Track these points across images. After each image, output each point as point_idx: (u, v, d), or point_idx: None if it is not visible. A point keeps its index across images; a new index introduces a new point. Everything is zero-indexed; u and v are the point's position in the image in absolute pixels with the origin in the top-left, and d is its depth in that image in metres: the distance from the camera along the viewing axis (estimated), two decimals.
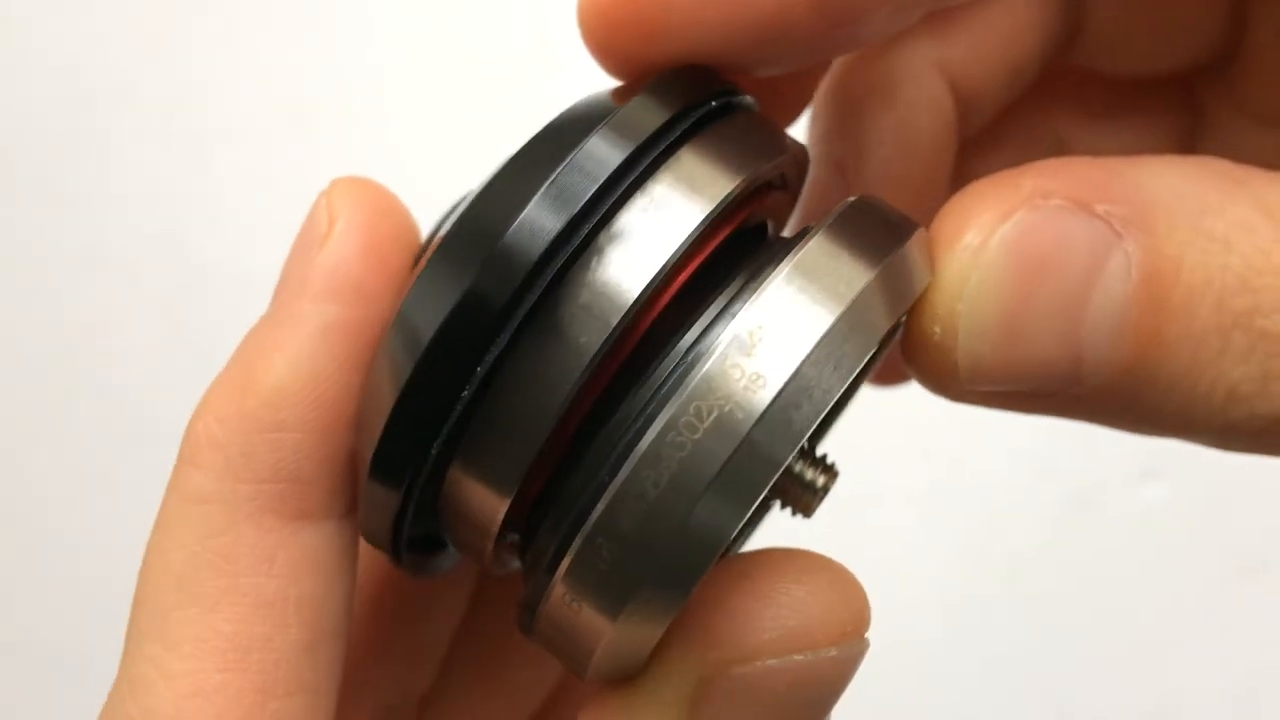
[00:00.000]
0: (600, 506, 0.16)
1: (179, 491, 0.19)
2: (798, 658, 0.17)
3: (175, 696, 0.18)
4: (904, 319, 0.18)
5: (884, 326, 0.17)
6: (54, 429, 0.55)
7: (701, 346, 0.17)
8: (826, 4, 0.18)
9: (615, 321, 0.16)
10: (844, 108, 0.25)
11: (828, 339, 0.16)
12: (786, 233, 0.23)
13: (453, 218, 0.18)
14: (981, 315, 0.17)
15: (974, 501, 0.53)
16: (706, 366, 0.16)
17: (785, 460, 0.16)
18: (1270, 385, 0.17)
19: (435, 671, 0.26)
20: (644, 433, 0.16)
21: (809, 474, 0.19)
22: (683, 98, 0.18)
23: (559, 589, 0.17)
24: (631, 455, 0.16)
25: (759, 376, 0.16)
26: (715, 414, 0.16)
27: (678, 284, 0.18)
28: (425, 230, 0.21)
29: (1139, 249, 0.17)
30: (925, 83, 0.24)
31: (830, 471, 0.19)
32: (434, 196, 0.21)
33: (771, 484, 0.16)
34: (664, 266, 0.17)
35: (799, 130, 0.25)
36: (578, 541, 0.16)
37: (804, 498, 0.19)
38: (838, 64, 0.25)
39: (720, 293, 0.18)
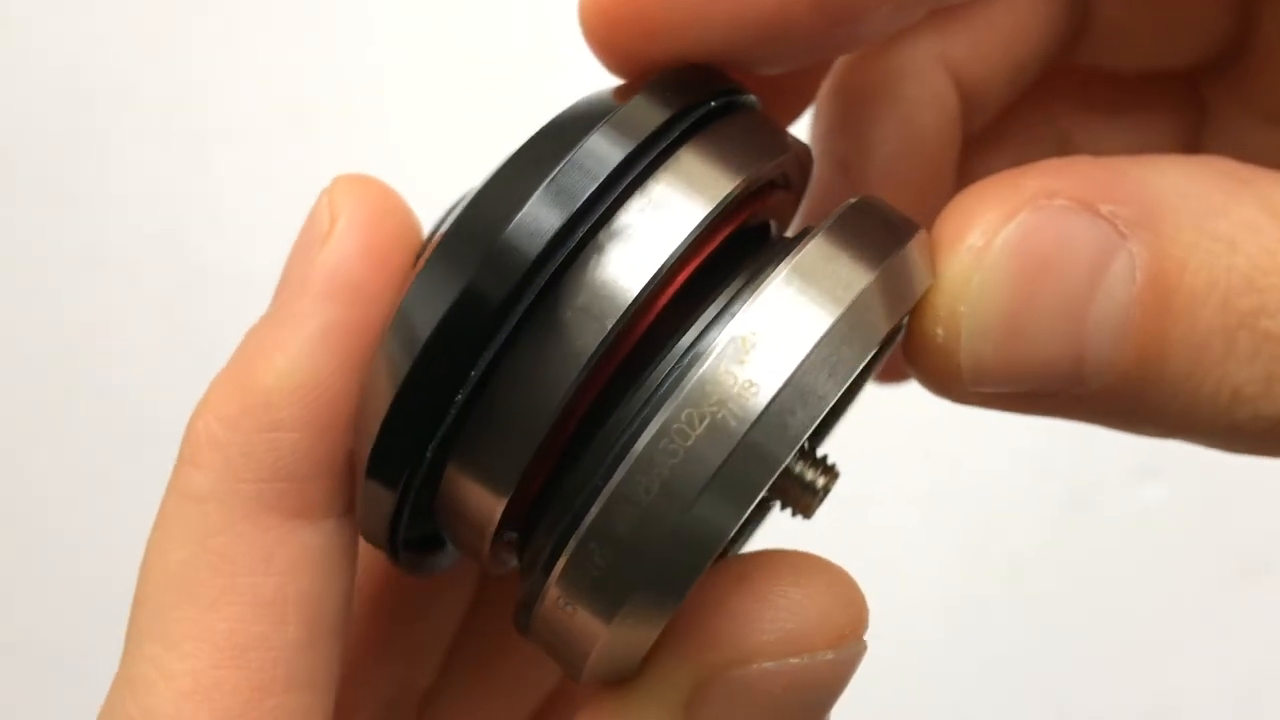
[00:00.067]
0: (594, 511, 0.16)
1: (178, 491, 0.19)
2: (795, 660, 0.17)
3: (175, 695, 0.18)
4: (906, 320, 0.18)
5: (883, 329, 0.17)
6: (54, 429, 0.55)
7: (699, 348, 0.17)
8: (827, 2, 0.18)
9: (612, 323, 0.16)
10: (847, 105, 0.25)
11: (825, 342, 0.16)
12: (790, 233, 0.23)
13: (452, 216, 0.18)
14: (984, 316, 0.17)
15: (974, 501, 0.53)
16: (701, 371, 0.16)
17: (778, 467, 0.16)
18: (1275, 386, 0.17)
19: (435, 669, 0.26)
20: (638, 437, 0.16)
21: (809, 475, 0.19)
22: (684, 96, 0.18)
23: (553, 592, 0.17)
24: (625, 460, 0.16)
25: (753, 382, 0.15)
26: (709, 420, 0.15)
27: (677, 284, 0.17)
28: (425, 230, 0.20)
29: (1144, 250, 0.17)
30: (929, 80, 0.24)
31: (831, 472, 0.19)
32: (434, 196, 0.21)
33: (765, 490, 0.16)
34: (662, 267, 0.17)
35: (802, 128, 0.25)
36: (571, 545, 0.16)
37: (804, 499, 0.19)
38: (841, 61, 0.25)
39: (719, 294, 0.18)
